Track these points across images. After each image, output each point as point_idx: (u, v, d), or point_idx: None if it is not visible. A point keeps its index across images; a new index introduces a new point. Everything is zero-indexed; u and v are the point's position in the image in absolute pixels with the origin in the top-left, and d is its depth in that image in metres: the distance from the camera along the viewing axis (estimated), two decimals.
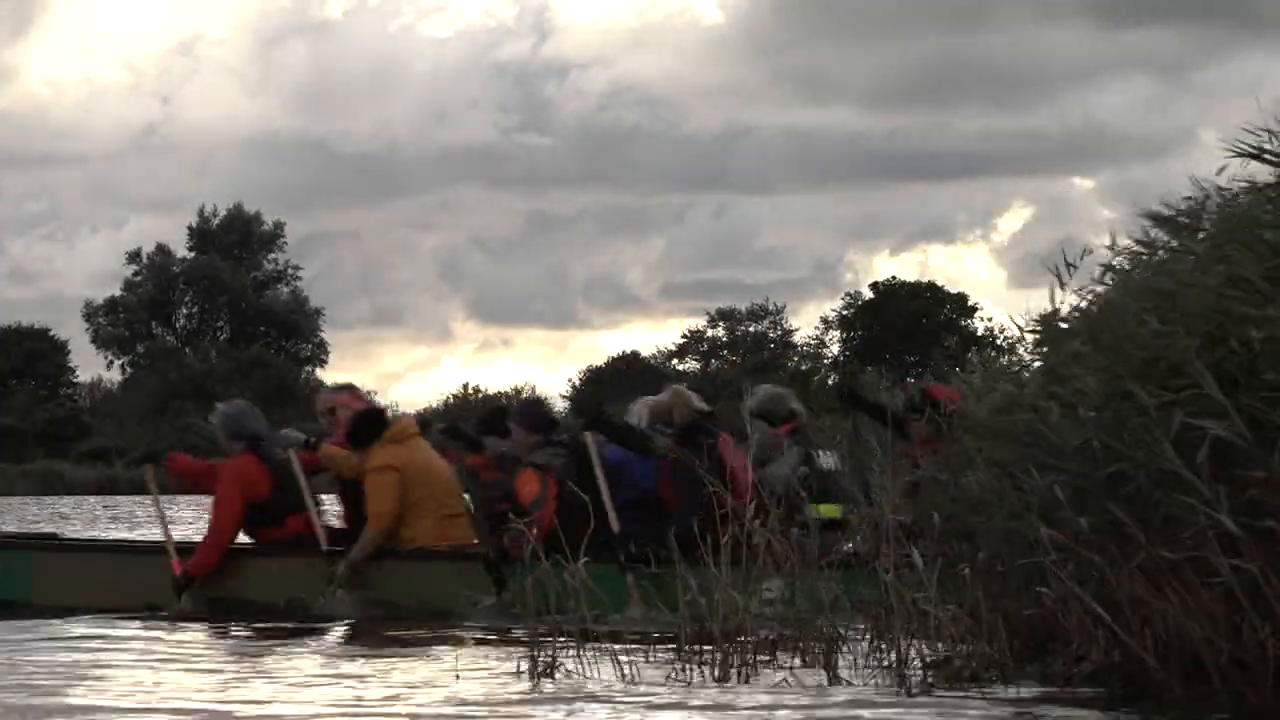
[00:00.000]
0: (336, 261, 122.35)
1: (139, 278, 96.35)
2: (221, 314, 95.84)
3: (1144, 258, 9.96)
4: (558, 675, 10.24)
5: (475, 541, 16.11)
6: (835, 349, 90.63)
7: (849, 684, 9.76)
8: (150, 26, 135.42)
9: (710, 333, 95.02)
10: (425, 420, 17.71)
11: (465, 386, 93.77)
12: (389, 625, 14.68)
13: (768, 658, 10.48)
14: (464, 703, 9.71)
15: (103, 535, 17.75)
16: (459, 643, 13.31)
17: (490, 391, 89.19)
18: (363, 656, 12.73)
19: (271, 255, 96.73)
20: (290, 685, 10.96)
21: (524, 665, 10.70)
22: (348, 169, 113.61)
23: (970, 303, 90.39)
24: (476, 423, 17.30)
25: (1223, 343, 8.63)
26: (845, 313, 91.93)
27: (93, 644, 13.35)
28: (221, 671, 11.88)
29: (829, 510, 15.25)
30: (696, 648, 10.54)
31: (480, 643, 13.24)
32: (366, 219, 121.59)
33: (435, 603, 15.49)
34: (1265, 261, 8.79)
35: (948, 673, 9.50)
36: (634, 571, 14.87)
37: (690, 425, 15.57)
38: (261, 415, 17.10)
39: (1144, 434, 8.60)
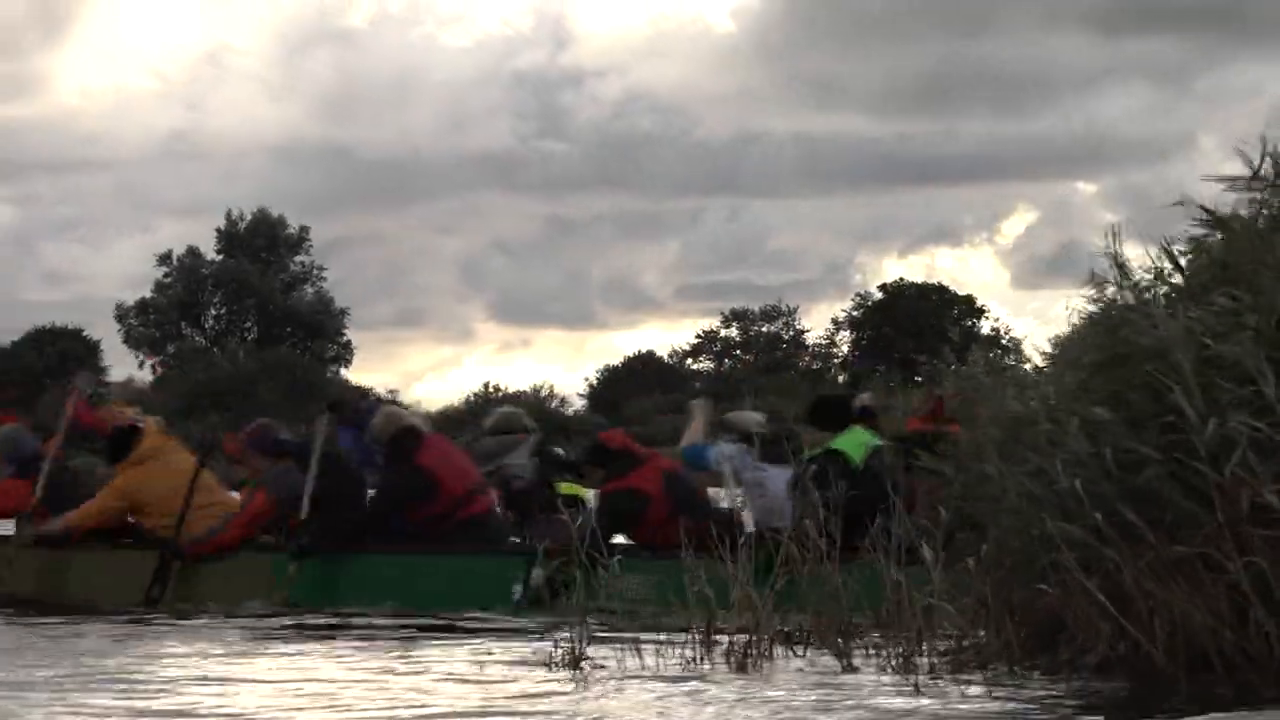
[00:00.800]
0: (360, 264, 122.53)
1: (169, 280, 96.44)
2: (249, 315, 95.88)
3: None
4: (584, 665, 10.24)
5: None
6: (845, 349, 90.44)
7: (861, 673, 9.75)
8: (178, 36, 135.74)
9: (724, 333, 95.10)
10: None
11: (486, 385, 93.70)
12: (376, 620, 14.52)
13: (784, 648, 10.48)
14: (499, 694, 9.72)
15: None
16: (474, 634, 13.23)
17: (510, 390, 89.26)
18: (376, 652, 12.56)
19: (298, 258, 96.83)
20: (313, 681, 10.93)
21: (552, 655, 10.76)
22: (371, 174, 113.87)
23: (978, 304, 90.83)
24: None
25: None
26: (855, 313, 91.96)
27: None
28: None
29: (568, 488, 16.15)
30: (715, 639, 10.62)
31: (502, 634, 13.13)
32: (389, 223, 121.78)
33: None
34: None
35: (956, 663, 9.48)
36: (298, 559, 15.40)
37: (398, 435, 15.93)
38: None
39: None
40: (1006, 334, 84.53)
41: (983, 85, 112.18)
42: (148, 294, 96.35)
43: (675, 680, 9.89)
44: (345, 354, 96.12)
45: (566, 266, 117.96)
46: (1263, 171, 9.76)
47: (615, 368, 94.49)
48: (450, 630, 13.75)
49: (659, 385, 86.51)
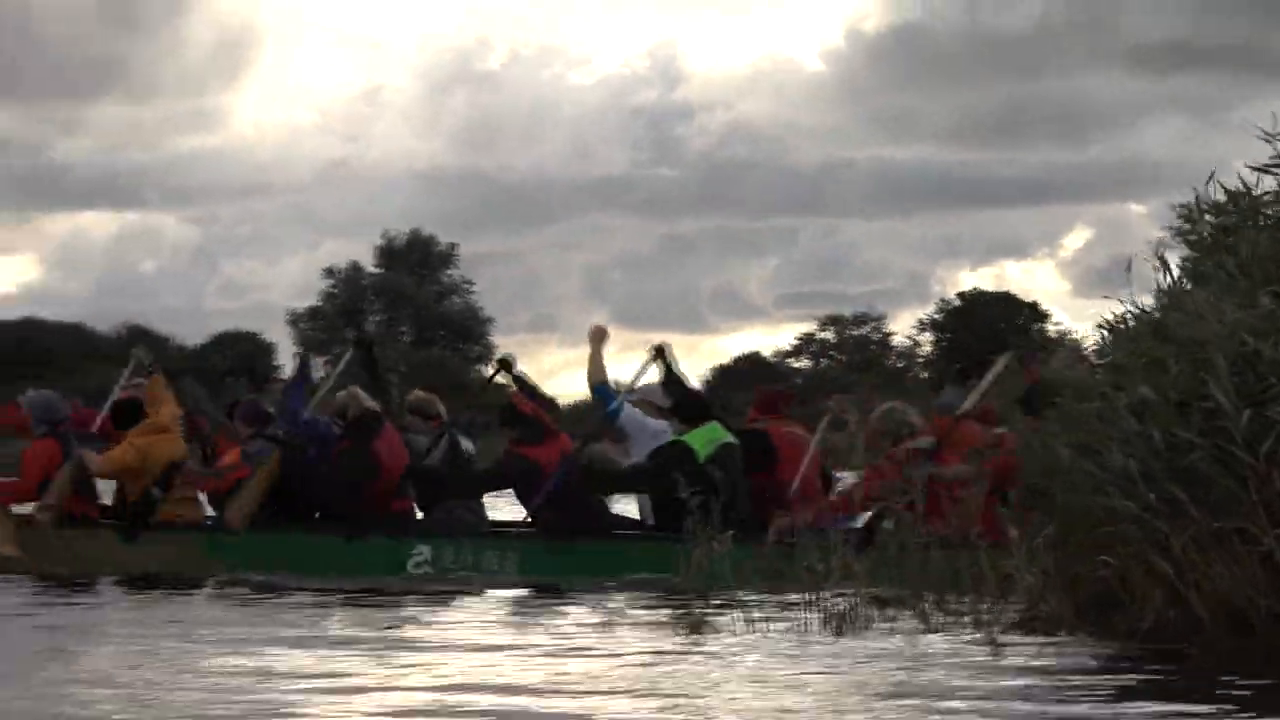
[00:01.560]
0: (501, 277, 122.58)
1: (334, 290, 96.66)
2: (405, 321, 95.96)
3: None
4: (704, 629, 10.26)
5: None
6: (928, 348, 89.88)
7: (943, 634, 9.73)
8: (339, 78, 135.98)
9: (820, 336, 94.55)
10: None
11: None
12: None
13: (877, 613, 10.47)
14: (637, 659, 9.58)
15: None
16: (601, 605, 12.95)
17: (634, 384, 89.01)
18: (502, 622, 12.53)
19: (448, 272, 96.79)
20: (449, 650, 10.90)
21: (678, 621, 10.80)
22: (508, 198, 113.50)
23: (1042, 309, 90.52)
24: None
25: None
26: (937, 316, 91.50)
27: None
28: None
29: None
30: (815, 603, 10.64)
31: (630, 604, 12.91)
32: (525, 241, 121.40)
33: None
34: None
35: (1027, 627, 9.46)
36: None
37: (360, 418, 15.67)
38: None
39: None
40: (1067, 336, 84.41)
41: (1041, 119, 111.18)
42: (315, 302, 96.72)
43: (784, 639, 9.95)
44: (488, 355, 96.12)
45: (678, 278, 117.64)
46: None
47: (724, 367, 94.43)
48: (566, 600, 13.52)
49: (763, 382, 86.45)
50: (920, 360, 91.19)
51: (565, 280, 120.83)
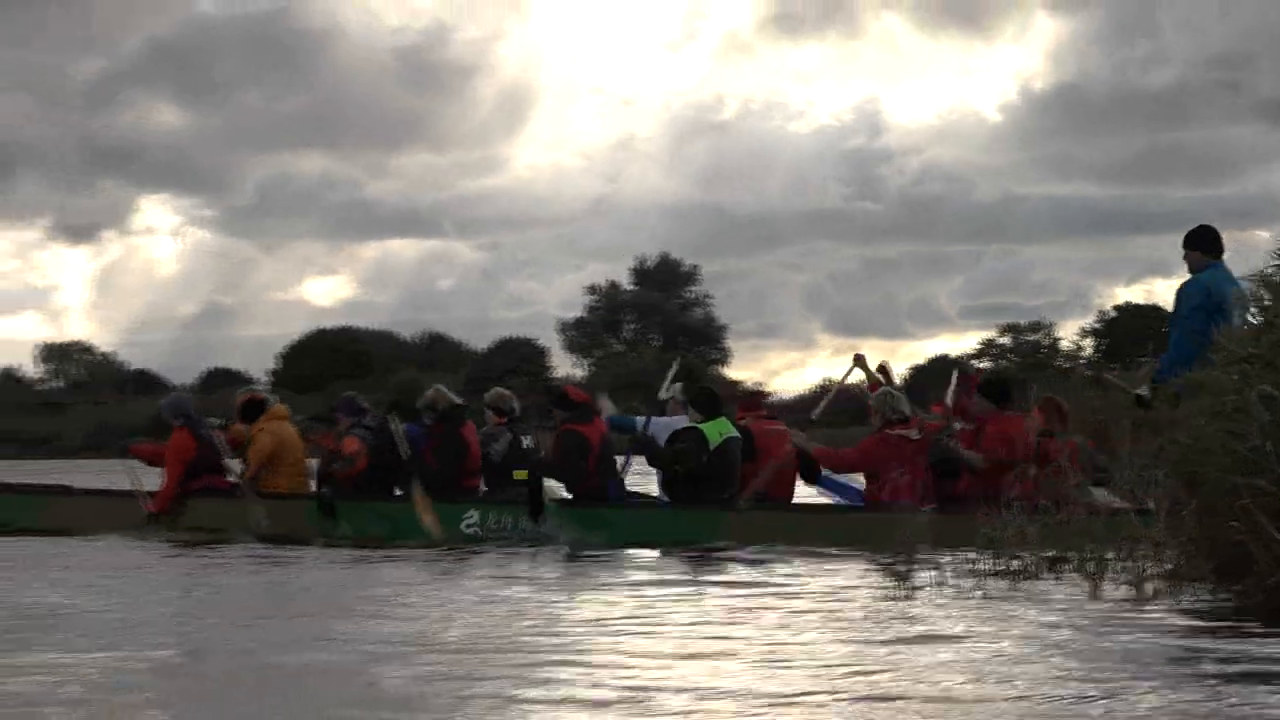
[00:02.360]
0: (734, 292, 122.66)
1: (596, 304, 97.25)
2: (655, 329, 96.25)
3: None
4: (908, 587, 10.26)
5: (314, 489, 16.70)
6: (1088, 352, 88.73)
7: (1104, 591, 9.67)
8: (600, 128, 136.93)
9: (998, 341, 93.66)
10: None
11: (824, 379, 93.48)
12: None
13: (1050, 574, 10.44)
14: (873, 607, 9.53)
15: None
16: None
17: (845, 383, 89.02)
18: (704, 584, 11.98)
19: (690, 288, 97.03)
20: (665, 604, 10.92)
21: (880, 580, 10.83)
22: (740, 227, 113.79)
23: None
24: (330, 408, 17.98)
25: None
26: (1096, 325, 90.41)
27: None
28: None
29: (520, 474, 15.35)
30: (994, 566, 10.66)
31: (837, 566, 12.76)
32: (754, 262, 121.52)
33: (284, 530, 15.93)
34: None
35: (1173, 585, 9.39)
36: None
37: (449, 411, 16.03)
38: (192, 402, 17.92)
39: None
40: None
41: (1181, 161, 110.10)
42: (581, 314, 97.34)
43: (970, 593, 9.93)
44: (724, 357, 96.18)
45: (880, 293, 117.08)
46: None
47: (919, 366, 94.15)
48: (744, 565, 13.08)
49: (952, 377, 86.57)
50: (1082, 361, 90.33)
51: (787, 294, 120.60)
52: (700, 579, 11.96)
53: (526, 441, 16.37)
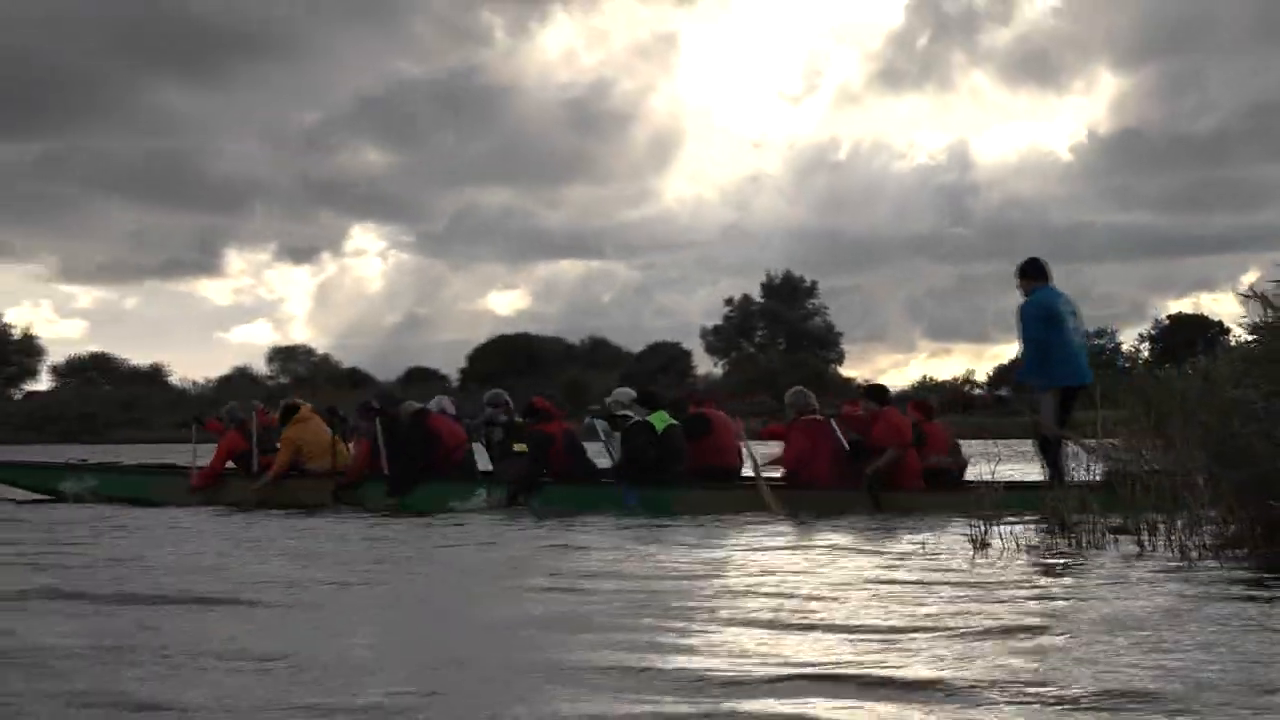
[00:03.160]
0: (847, 304, 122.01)
1: (731, 314, 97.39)
2: (781, 335, 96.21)
3: None
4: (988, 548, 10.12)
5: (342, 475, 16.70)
6: (1145, 354, 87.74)
7: (1153, 553, 9.52)
8: (734, 165, 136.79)
9: None
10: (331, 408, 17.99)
11: (923, 377, 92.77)
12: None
13: (1104, 537, 10.28)
14: (951, 568, 9.26)
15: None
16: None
17: (940, 380, 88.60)
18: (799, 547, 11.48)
19: (810, 300, 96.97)
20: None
21: (965, 538, 10.64)
22: (852, 249, 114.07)
23: (1225, 325, 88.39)
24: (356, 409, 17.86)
25: None
26: (1153, 331, 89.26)
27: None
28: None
29: (520, 446, 16.09)
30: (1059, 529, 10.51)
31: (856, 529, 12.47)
32: (863, 278, 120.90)
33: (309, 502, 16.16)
34: None
35: (1216, 549, 9.21)
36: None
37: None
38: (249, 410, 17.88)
39: None
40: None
41: (1224, 193, 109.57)
42: (718, 322, 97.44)
43: (1040, 553, 9.76)
44: (839, 358, 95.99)
45: (969, 305, 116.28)
46: None
47: (1001, 366, 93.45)
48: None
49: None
50: (1142, 362, 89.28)
51: (891, 305, 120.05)
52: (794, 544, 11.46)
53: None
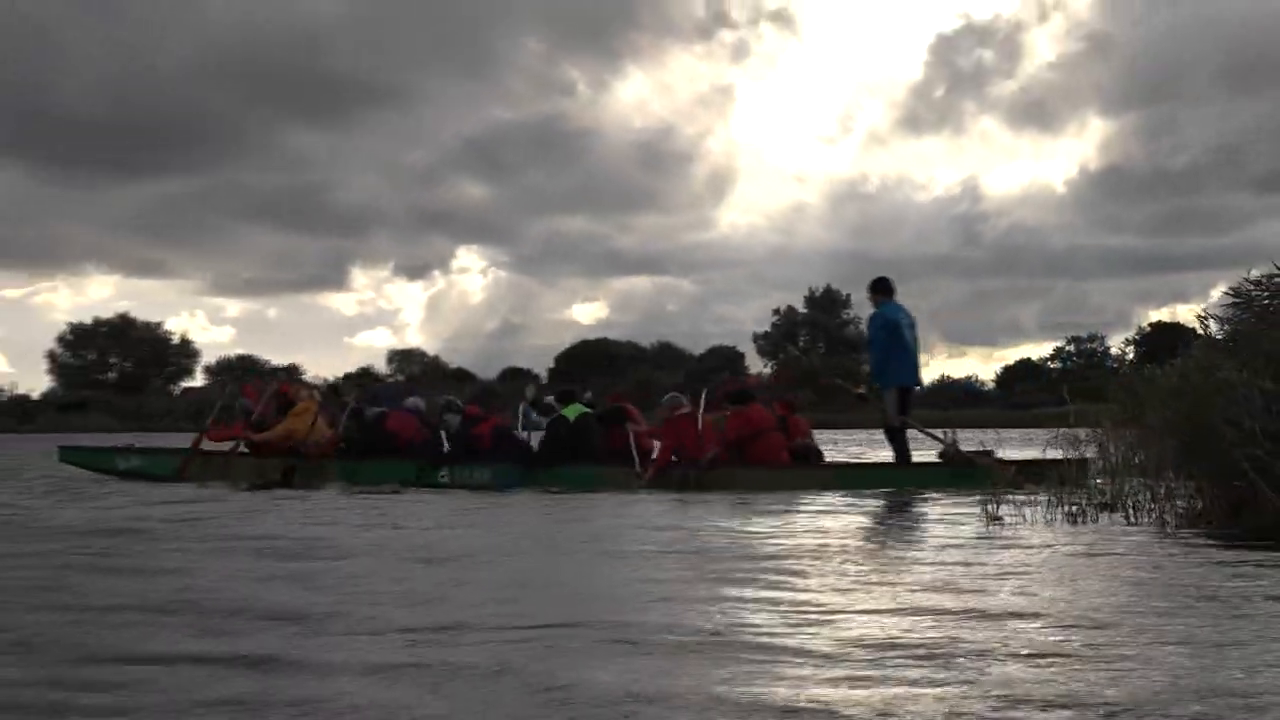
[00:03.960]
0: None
1: (778, 322, 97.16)
2: (820, 340, 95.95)
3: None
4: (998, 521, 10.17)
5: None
6: (1130, 355, 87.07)
7: (1137, 523, 9.55)
8: (780, 197, 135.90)
9: (1065, 349, 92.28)
10: (334, 386, 18.21)
11: (941, 375, 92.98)
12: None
13: (1090, 512, 10.30)
14: (959, 536, 9.29)
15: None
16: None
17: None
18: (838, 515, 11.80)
19: (846, 310, 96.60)
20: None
21: (977, 514, 10.67)
22: (881, 267, 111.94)
23: (1199, 333, 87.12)
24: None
25: None
26: (1136, 337, 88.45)
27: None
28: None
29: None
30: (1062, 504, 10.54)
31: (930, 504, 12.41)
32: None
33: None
34: None
35: (1188, 522, 9.24)
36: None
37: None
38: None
39: None
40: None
41: (1197, 220, 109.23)
42: (767, 329, 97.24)
43: (1045, 525, 9.76)
44: (865, 361, 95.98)
45: (981, 315, 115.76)
46: None
47: (1008, 366, 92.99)
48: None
49: (1028, 376, 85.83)
50: (1128, 363, 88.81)
51: (916, 316, 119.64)
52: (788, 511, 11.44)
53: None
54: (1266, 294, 9.75)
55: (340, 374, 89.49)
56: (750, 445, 15.07)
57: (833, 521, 10.32)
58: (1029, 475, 12.46)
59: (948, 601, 5.76)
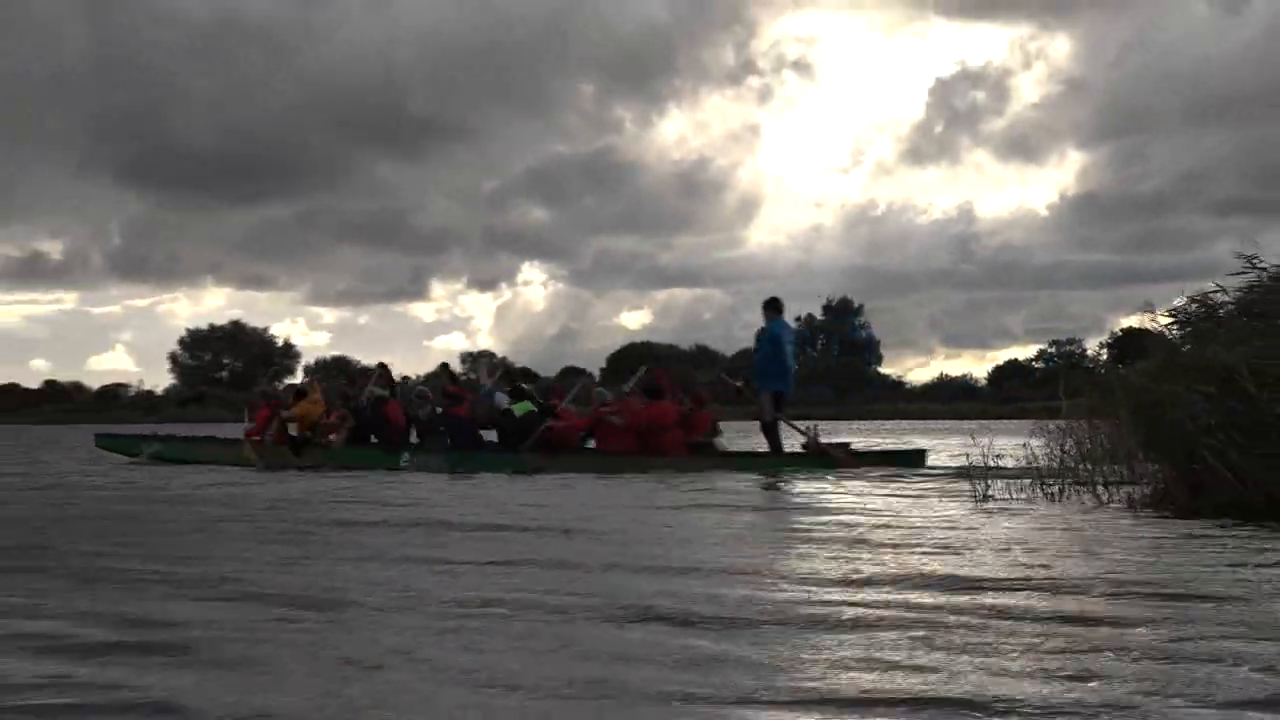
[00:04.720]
0: (885, 320, 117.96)
1: (801, 328, 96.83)
2: (836, 343, 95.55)
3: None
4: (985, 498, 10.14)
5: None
6: (1104, 357, 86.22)
7: (1109, 504, 9.53)
8: (800, 220, 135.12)
9: (1048, 350, 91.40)
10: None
11: (940, 373, 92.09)
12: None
13: (1067, 491, 10.26)
14: (952, 515, 9.21)
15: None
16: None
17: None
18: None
19: (858, 317, 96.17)
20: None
21: (967, 493, 10.63)
22: (888, 279, 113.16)
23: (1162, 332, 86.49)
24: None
25: None
26: (1110, 341, 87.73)
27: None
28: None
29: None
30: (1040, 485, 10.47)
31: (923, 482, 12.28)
32: (896, 302, 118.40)
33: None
34: None
35: (1152, 503, 9.19)
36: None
37: (382, 398, 16.91)
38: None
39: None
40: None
41: (1164, 239, 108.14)
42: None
43: (1027, 504, 9.74)
44: (877, 360, 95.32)
45: (977, 321, 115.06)
46: None
47: (998, 366, 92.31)
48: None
49: (1016, 375, 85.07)
50: (1102, 364, 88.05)
51: (917, 322, 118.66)
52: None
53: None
54: (1204, 310, 9.68)
55: (419, 373, 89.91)
56: (655, 437, 15.33)
57: (836, 501, 10.25)
58: (865, 462, 14.16)
59: (944, 567, 5.76)
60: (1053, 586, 5.18)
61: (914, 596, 4.97)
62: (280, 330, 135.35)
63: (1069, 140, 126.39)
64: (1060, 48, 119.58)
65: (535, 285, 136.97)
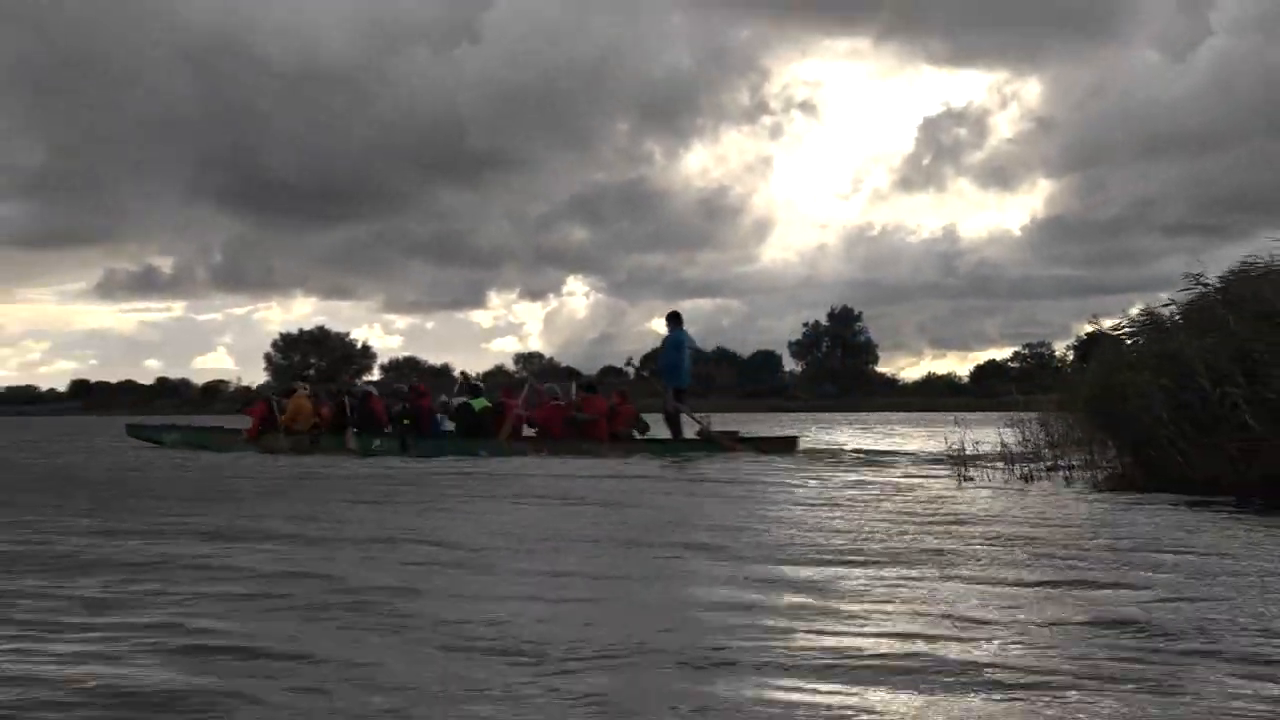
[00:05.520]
0: (882, 326, 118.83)
1: (808, 332, 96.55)
2: (839, 345, 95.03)
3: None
4: (969, 479, 9.99)
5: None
6: (1070, 358, 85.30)
7: (1074, 485, 9.39)
8: (806, 239, 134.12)
9: (1021, 352, 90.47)
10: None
11: (928, 372, 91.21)
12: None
13: (1041, 475, 10.12)
14: (937, 493, 9.00)
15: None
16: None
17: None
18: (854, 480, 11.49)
19: (858, 323, 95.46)
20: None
21: (950, 475, 10.50)
22: (884, 291, 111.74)
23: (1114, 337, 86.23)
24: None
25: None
26: (1076, 344, 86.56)
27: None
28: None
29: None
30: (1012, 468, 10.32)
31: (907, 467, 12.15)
32: (892, 309, 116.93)
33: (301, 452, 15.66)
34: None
35: (1111, 484, 9.05)
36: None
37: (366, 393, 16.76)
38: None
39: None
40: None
41: (1124, 256, 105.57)
42: (799, 337, 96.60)
43: (1004, 484, 9.63)
44: (874, 361, 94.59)
45: (960, 327, 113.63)
46: None
47: (980, 366, 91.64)
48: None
49: (994, 374, 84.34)
50: (1068, 363, 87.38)
51: (909, 327, 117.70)
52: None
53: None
54: (1149, 322, 9.62)
55: (478, 371, 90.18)
56: (587, 426, 15.75)
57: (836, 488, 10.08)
58: (749, 447, 14.77)
59: (932, 540, 5.67)
60: (1031, 554, 5.08)
61: (895, 571, 4.86)
62: (359, 334, 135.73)
63: (1039, 171, 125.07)
64: (1032, 91, 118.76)
65: (578, 296, 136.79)
